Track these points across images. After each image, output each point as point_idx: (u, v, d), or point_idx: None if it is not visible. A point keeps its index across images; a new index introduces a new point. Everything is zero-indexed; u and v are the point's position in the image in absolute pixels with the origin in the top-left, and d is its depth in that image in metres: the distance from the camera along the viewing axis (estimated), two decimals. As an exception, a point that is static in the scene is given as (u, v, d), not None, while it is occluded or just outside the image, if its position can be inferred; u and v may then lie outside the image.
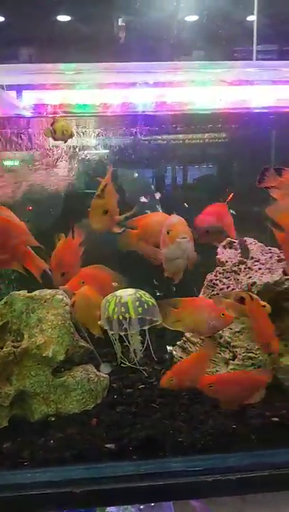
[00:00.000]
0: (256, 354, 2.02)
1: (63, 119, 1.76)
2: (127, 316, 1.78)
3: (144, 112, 1.82)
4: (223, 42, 3.15)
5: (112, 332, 1.71)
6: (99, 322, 1.71)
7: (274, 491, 1.72)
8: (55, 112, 1.94)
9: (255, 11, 2.95)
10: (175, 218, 1.72)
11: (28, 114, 1.93)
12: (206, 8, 3.15)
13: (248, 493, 1.76)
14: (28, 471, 1.71)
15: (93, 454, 1.74)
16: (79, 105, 1.96)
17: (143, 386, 2.08)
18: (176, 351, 2.29)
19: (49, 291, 2.07)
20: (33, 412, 1.94)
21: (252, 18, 3.09)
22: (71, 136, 1.79)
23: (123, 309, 1.76)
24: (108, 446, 1.74)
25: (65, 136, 1.77)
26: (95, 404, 2.00)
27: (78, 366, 2.05)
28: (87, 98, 1.84)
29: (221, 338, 2.08)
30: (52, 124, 1.76)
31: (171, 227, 1.64)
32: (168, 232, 1.65)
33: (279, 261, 2.05)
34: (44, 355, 1.93)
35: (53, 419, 1.95)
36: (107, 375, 2.08)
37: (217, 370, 2.08)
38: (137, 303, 1.86)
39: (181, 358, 2.24)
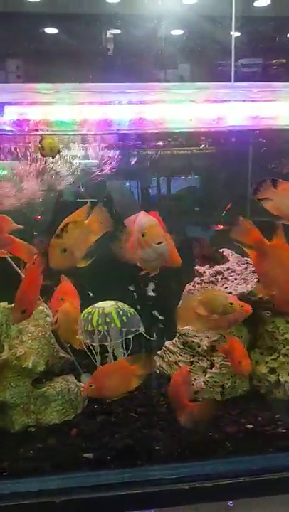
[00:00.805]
0: (233, 362, 2.07)
1: (50, 137, 1.82)
2: (112, 326, 1.79)
3: (119, 130, 1.86)
4: (208, 55, 3.21)
5: (95, 344, 1.72)
6: (78, 336, 1.72)
7: (249, 497, 1.76)
8: (37, 129, 1.98)
9: (233, 29, 3.03)
10: (147, 220, 1.68)
11: (8, 128, 1.97)
12: (191, 23, 3.22)
13: (224, 499, 1.79)
14: (7, 481, 1.72)
15: (72, 464, 1.77)
16: (58, 122, 2.01)
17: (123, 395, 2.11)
18: (156, 361, 2.32)
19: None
20: (13, 422, 1.96)
21: (236, 33, 3.17)
22: (58, 152, 1.84)
23: (108, 319, 1.78)
24: (86, 455, 1.77)
25: (53, 152, 1.82)
26: (75, 415, 2.02)
27: (59, 377, 2.08)
28: (66, 115, 1.88)
29: (199, 347, 2.12)
30: (40, 141, 1.81)
31: (146, 230, 1.62)
32: (143, 235, 1.62)
33: (254, 272, 2.11)
34: (24, 366, 1.95)
35: (33, 429, 1.97)
36: (81, 384, 2.11)
37: (195, 379, 2.12)
38: (120, 312, 1.91)
39: (161, 367, 2.28)
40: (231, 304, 1.86)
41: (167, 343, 2.28)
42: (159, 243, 1.59)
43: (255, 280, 2.07)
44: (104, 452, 1.78)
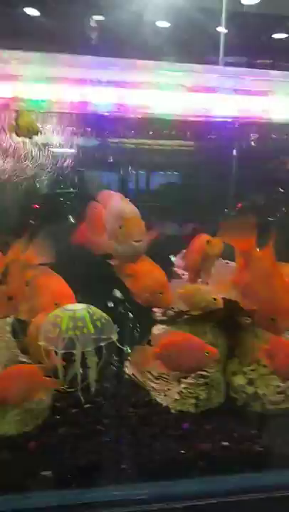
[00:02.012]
0: (209, 372, 1.93)
1: (28, 114, 1.60)
2: (84, 331, 1.58)
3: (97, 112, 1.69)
4: (193, 49, 3.11)
5: (64, 351, 1.52)
6: (41, 343, 1.52)
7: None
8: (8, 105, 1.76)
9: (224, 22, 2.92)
10: (128, 209, 1.51)
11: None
12: (178, 16, 3.10)
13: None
14: None
15: (28, 482, 1.59)
16: (32, 101, 1.81)
17: (90, 406, 1.93)
18: (127, 368, 2.16)
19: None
20: None
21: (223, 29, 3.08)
22: (37, 133, 1.64)
23: (80, 324, 1.58)
24: (44, 473, 1.59)
25: (30, 132, 1.61)
26: (34, 426, 1.83)
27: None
28: (39, 93, 1.69)
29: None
30: (15, 119, 1.59)
31: (124, 222, 1.46)
32: (120, 227, 1.46)
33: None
34: (-21, 371, 1.76)
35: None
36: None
37: (169, 389, 1.97)
38: (94, 317, 1.73)
39: (133, 375, 2.12)
40: (214, 299, 1.72)
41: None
42: (138, 241, 1.43)
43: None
44: (64, 469, 1.61)
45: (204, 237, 1.84)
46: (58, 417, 1.88)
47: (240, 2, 3.07)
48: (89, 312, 1.50)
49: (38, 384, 1.65)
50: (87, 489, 1.57)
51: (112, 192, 1.66)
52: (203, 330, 1.97)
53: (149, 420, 1.85)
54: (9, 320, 1.88)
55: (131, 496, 1.57)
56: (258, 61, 3.25)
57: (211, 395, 1.95)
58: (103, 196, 1.66)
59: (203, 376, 1.92)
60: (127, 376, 2.15)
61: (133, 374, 2.13)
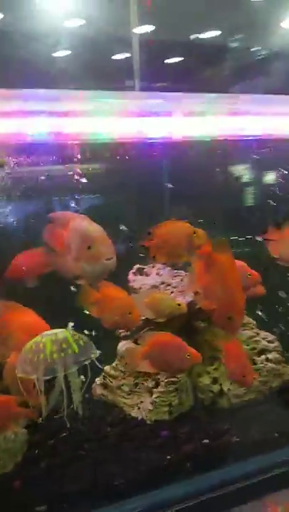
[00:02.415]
0: (178, 378, 2.03)
1: None
2: (69, 352, 1.55)
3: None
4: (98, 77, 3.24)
5: (44, 377, 1.49)
6: (19, 375, 1.48)
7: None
8: None
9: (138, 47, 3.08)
10: (94, 229, 1.56)
11: None
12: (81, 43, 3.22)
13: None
14: None
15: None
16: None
17: (65, 434, 1.91)
18: (95, 390, 2.18)
19: None
20: None
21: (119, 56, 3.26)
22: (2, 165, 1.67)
23: (64, 345, 1.52)
24: (39, 509, 1.55)
25: None
26: (14, 464, 1.77)
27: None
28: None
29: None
30: None
31: (93, 243, 1.50)
32: (89, 248, 1.50)
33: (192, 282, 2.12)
34: None
35: None
36: (24, 429, 1.88)
37: (142, 401, 2.03)
38: (76, 337, 1.62)
39: (102, 395, 2.14)
40: (179, 305, 1.83)
41: (107, 368, 2.15)
42: (109, 259, 1.49)
43: (192, 292, 2.07)
44: (57, 500, 1.58)
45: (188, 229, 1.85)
46: (36, 451, 1.84)
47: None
48: (69, 333, 1.52)
49: (14, 414, 1.63)
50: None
51: (69, 213, 1.71)
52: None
53: (128, 436, 1.90)
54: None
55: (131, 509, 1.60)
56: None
57: (182, 400, 2.05)
58: (60, 218, 1.69)
59: (173, 382, 2.02)
60: (96, 397, 2.17)
61: (102, 394, 2.15)
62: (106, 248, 1.50)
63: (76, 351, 1.45)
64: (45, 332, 1.52)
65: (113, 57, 3.25)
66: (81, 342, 1.49)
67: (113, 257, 1.51)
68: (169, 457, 1.75)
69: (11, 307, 1.70)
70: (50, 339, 1.45)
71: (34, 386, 1.56)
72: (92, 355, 1.50)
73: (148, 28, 3.25)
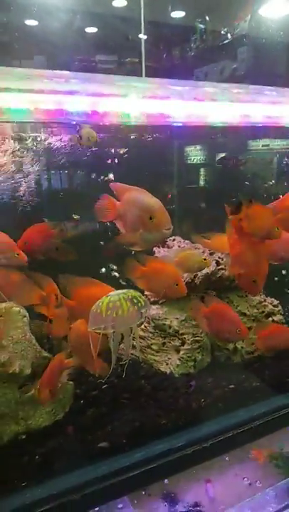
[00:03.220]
0: (201, 337, 2.31)
1: (88, 126, 1.78)
2: (140, 306, 1.66)
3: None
4: (65, 49, 3.32)
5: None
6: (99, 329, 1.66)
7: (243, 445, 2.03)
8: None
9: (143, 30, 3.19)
10: (154, 202, 1.73)
11: None
12: (48, 14, 3.26)
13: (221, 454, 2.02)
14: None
15: (89, 456, 1.76)
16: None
17: (106, 386, 2.14)
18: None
19: (3, 304, 1.96)
20: (2, 433, 1.82)
21: (92, 29, 3.36)
22: (96, 142, 1.84)
23: (135, 301, 1.64)
24: (102, 444, 1.78)
25: (91, 141, 1.81)
26: (64, 413, 1.98)
27: (42, 378, 2.00)
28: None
29: (170, 328, 2.29)
30: (78, 131, 1.78)
31: (154, 214, 1.68)
32: (150, 218, 1.68)
33: (211, 254, 2.39)
34: (11, 371, 1.84)
35: (23, 437, 1.86)
36: (71, 382, 2.08)
37: (169, 358, 2.29)
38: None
39: (132, 353, 2.38)
40: (205, 259, 2.07)
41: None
42: (168, 229, 1.70)
43: (214, 262, 2.35)
44: (115, 439, 1.82)
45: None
46: (82, 401, 2.05)
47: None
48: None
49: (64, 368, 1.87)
50: (138, 448, 1.82)
51: (126, 185, 1.85)
52: (190, 303, 2.35)
53: (161, 386, 2.15)
54: (26, 320, 1.97)
55: (172, 444, 1.87)
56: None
57: (204, 356, 2.33)
58: (118, 189, 1.84)
59: (197, 341, 2.29)
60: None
61: (132, 353, 2.38)
62: (166, 219, 1.71)
63: (143, 304, 1.66)
64: (114, 292, 1.70)
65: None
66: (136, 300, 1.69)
67: (171, 227, 1.72)
68: (203, 400, 2.03)
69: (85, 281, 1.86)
70: (123, 297, 1.65)
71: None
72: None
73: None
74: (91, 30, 3.43)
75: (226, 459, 2.01)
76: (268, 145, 3.00)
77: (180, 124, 2.08)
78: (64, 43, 3.28)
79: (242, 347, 2.39)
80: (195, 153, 3.03)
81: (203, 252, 2.41)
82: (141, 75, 3.23)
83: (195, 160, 2.99)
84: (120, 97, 1.87)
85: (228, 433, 1.98)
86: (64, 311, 1.90)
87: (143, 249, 1.81)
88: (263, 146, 3.06)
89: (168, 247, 2.51)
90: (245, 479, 2.00)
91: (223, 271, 2.35)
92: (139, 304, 1.65)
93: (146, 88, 1.96)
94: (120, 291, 1.66)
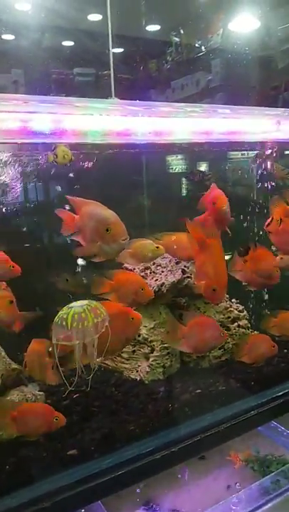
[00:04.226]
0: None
1: (63, 145, 1.85)
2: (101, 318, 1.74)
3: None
4: (42, 63, 3.39)
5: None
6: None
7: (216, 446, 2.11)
8: None
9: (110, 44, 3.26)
10: (111, 215, 1.79)
11: None
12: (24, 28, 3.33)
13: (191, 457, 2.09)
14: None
15: (57, 463, 1.81)
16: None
17: (77, 395, 2.19)
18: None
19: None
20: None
21: (69, 43, 3.45)
22: (71, 160, 1.88)
23: (98, 312, 1.71)
24: (70, 452, 1.83)
25: (66, 160, 1.86)
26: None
27: (13, 389, 2.04)
28: None
29: (139, 336, 2.36)
30: (53, 150, 1.85)
31: (110, 226, 1.75)
32: (107, 230, 1.75)
33: (177, 263, 2.48)
34: (-19, 384, 1.87)
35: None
36: (42, 393, 2.12)
37: (139, 365, 2.35)
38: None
39: (103, 363, 2.43)
40: (157, 247, 2.09)
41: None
42: (124, 239, 1.78)
43: (180, 270, 2.44)
44: (85, 445, 1.87)
45: None
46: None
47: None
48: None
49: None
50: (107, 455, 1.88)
51: (82, 199, 1.92)
52: (158, 311, 2.43)
53: (131, 393, 2.22)
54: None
55: (141, 450, 1.93)
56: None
57: (172, 362, 2.41)
58: (75, 202, 1.92)
59: (166, 348, 2.37)
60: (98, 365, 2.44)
61: (103, 362, 2.44)
62: (122, 230, 1.78)
63: (105, 314, 1.71)
64: (77, 303, 1.76)
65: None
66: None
67: (127, 237, 1.80)
68: (170, 406, 2.10)
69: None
70: (87, 308, 1.70)
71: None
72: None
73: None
74: (68, 43, 3.51)
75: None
76: (231, 159, 3.13)
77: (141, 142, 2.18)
78: (41, 57, 3.36)
79: (210, 352, 2.48)
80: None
81: (170, 260, 2.50)
82: (111, 94, 3.33)
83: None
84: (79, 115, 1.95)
85: (196, 437, 2.05)
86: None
87: (103, 260, 1.86)
88: (229, 159, 3.19)
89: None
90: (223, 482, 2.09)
91: (189, 279, 2.43)
92: (102, 315, 1.71)
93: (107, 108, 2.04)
94: (83, 302, 1.72)
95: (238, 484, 2.38)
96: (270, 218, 2.26)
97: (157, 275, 2.44)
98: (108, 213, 1.83)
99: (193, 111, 2.02)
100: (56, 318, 1.70)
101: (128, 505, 2.14)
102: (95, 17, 3.31)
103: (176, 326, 2.07)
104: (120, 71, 3.87)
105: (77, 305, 1.69)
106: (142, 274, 2.45)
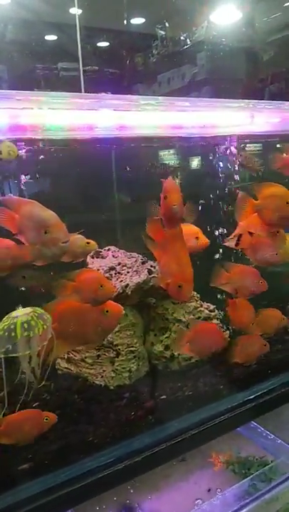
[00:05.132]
0: (136, 347, 2.29)
1: (7, 141, 1.71)
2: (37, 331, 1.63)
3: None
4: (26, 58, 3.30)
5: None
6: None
7: (174, 458, 2.02)
8: None
9: (79, 39, 3.17)
10: (50, 216, 1.66)
11: None
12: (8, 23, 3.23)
13: (155, 466, 2.00)
14: None
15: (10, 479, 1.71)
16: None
17: (37, 403, 2.08)
18: (59, 364, 2.36)
19: None
20: None
21: (52, 37, 3.35)
22: (17, 156, 1.77)
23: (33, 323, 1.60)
24: (22, 467, 1.73)
25: (12, 156, 1.74)
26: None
27: None
28: None
29: (103, 340, 2.26)
30: None
31: (49, 229, 1.63)
32: (46, 233, 1.63)
33: (142, 263, 2.38)
34: None
35: None
36: (1, 404, 2.01)
37: (104, 370, 2.26)
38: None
39: (66, 368, 2.33)
40: (88, 243, 1.99)
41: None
42: (65, 242, 1.64)
43: (146, 271, 2.33)
44: (37, 459, 1.77)
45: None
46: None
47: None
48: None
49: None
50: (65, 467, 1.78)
51: (21, 198, 1.81)
52: (125, 313, 2.32)
53: (95, 400, 2.12)
54: None
55: (102, 461, 1.84)
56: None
57: (139, 366, 2.31)
58: (11, 202, 1.78)
59: (132, 351, 2.27)
60: (61, 371, 2.35)
61: (66, 367, 2.34)
62: (62, 233, 1.65)
63: (50, 320, 1.61)
64: (21, 311, 1.65)
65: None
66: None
67: (68, 239, 1.67)
68: (133, 413, 2.01)
69: None
70: (34, 315, 1.60)
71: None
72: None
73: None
74: (51, 38, 3.43)
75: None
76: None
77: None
78: (25, 52, 3.26)
79: (178, 354, 2.39)
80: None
81: (136, 260, 2.40)
82: (80, 88, 3.23)
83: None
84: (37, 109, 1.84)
85: (162, 445, 1.96)
86: None
87: (43, 264, 1.74)
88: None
89: (102, 257, 2.47)
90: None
91: (156, 279, 2.33)
92: (49, 321, 1.61)
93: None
94: (26, 309, 1.61)
95: (218, 490, 2.33)
96: (238, 234, 2.19)
97: (122, 275, 2.33)
98: (47, 214, 1.70)
99: (148, 104, 1.89)
100: (0, 330, 1.59)
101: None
102: (76, 10, 3.22)
103: (182, 333, 2.15)
104: (107, 65, 3.84)
105: (22, 314, 1.58)
106: (107, 274, 2.34)
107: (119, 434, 1.92)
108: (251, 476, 2.40)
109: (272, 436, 2.76)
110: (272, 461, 2.54)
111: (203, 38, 4.05)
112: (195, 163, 3.16)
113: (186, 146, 2.82)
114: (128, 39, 4.04)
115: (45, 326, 1.62)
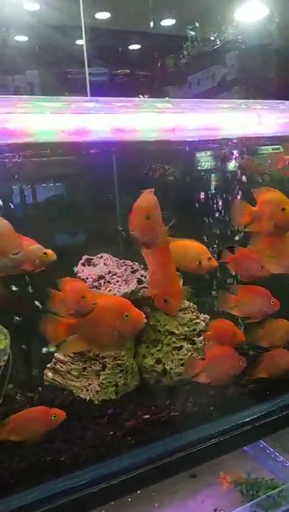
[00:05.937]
0: (123, 360, 2.17)
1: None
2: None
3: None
4: (56, 62, 3.29)
5: None
6: None
7: (154, 483, 1.89)
8: None
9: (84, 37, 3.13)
10: (1, 227, 1.54)
11: None
12: (37, 29, 3.24)
13: (134, 491, 1.88)
14: None
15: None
16: None
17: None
18: (47, 375, 2.29)
19: None
20: None
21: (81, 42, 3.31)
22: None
23: None
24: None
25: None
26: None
27: None
28: None
29: (90, 351, 2.17)
30: None
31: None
32: None
33: (133, 272, 2.25)
34: None
35: None
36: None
37: (90, 384, 2.16)
38: None
39: (53, 379, 2.26)
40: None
41: (57, 354, 2.26)
42: (16, 253, 1.53)
43: (135, 280, 2.21)
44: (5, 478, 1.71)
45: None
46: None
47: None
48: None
49: None
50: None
51: None
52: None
53: (76, 415, 2.03)
54: None
55: (79, 481, 1.75)
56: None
57: (128, 380, 2.20)
58: None
59: (119, 365, 2.16)
60: (48, 382, 2.28)
61: (53, 378, 2.27)
62: (11, 244, 1.54)
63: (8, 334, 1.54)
64: None
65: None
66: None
67: (19, 251, 1.55)
68: (111, 433, 1.90)
69: None
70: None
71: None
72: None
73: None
74: (80, 42, 3.42)
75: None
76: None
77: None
78: (55, 57, 3.28)
79: (171, 368, 2.25)
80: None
81: (126, 269, 2.28)
82: (85, 91, 3.19)
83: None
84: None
85: (143, 468, 1.84)
86: None
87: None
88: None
89: (93, 265, 2.37)
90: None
91: (145, 289, 2.20)
92: (8, 335, 1.54)
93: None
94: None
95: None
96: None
97: (111, 285, 2.22)
98: None
99: (122, 106, 1.74)
100: None
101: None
102: (102, 15, 3.31)
103: (195, 361, 2.07)
104: (138, 68, 3.80)
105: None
106: (96, 283, 2.24)
107: (93, 456, 1.82)
108: (258, 499, 2.26)
109: (282, 458, 2.59)
110: (282, 485, 2.37)
111: (232, 38, 3.95)
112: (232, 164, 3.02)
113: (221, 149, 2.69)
114: (159, 41, 4.02)
115: (7, 340, 1.56)
